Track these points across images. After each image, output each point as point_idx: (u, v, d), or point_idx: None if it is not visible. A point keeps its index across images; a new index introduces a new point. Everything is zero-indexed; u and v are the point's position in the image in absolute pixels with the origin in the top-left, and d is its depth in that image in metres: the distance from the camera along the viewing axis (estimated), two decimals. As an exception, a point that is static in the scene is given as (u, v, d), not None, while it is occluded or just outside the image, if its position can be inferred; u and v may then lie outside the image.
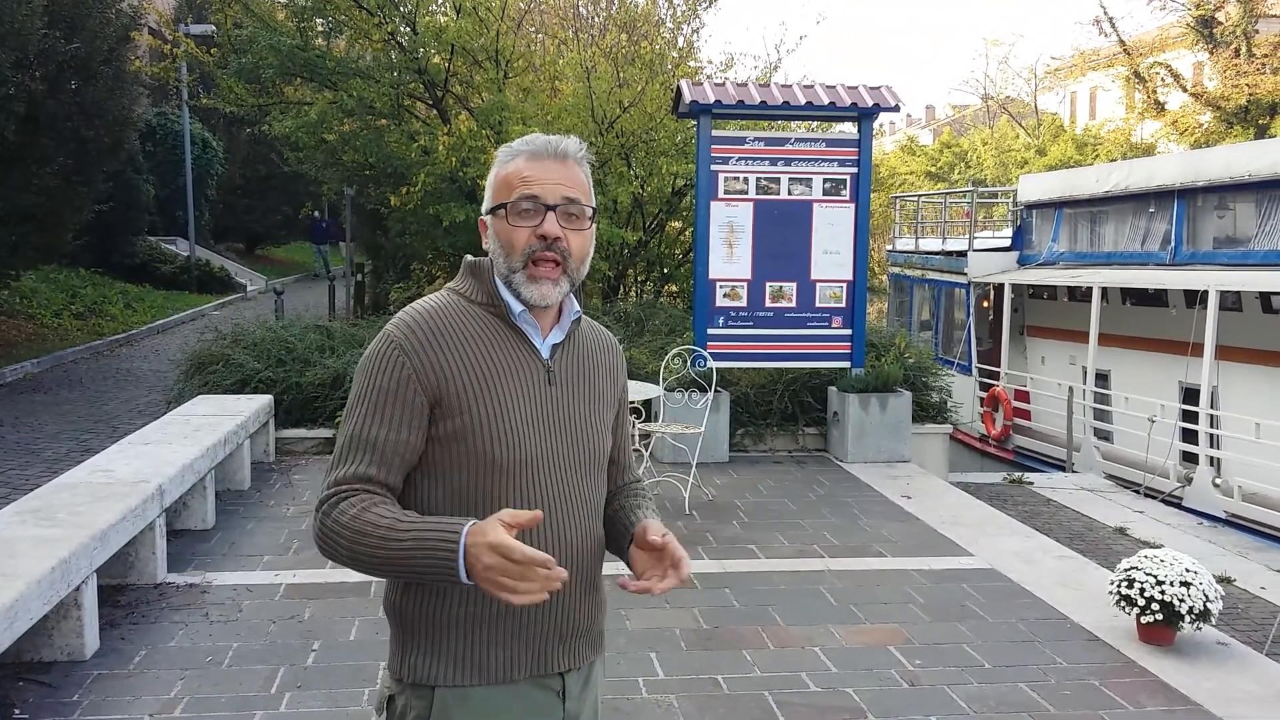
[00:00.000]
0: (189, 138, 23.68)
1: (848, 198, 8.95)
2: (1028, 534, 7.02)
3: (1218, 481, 10.72)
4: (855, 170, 8.94)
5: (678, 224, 15.02)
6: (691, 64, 15.29)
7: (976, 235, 18.26)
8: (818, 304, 9.02)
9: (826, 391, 9.32)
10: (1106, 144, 34.81)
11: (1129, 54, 31.44)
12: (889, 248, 22.72)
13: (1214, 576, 4.95)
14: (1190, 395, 11.77)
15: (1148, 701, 4.33)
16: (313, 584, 5.59)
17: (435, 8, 13.73)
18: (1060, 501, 9.92)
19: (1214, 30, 29.19)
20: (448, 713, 1.84)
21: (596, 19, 17.73)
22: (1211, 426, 11.00)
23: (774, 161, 8.87)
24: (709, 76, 14.62)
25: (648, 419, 8.50)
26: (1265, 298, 11.65)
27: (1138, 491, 10.81)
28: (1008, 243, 17.29)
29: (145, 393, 12.85)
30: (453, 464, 1.82)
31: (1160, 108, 31.18)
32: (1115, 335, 13.79)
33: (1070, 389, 13.02)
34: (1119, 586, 4.92)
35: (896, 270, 20.76)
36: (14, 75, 12.66)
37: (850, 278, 9.04)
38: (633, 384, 7.44)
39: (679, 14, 15.62)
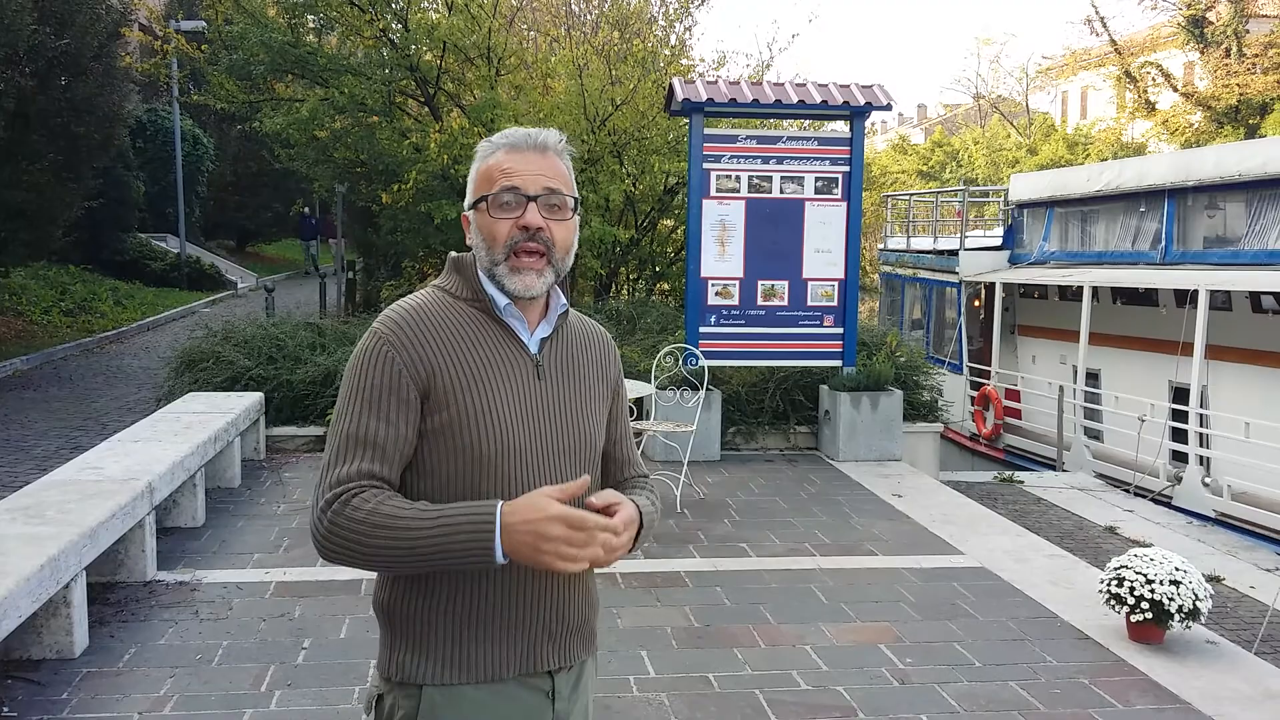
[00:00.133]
0: (179, 134, 23.62)
1: (839, 196, 8.96)
2: (1018, 533, 7.04)
3: (1207, 481, 10.76)
4: (847, 169, 8.95)
5: (670, 222, 15.02)
6: (684, 62, 15.28)
7: (968, 234, 18.31)
8: (809, 302, 9.03)
9: (818, 390, 9.33)
10: (1097, 143, 34.91)
11: (1120, 53, 31.55)
12: (880, 246, 22.74)
13: (1203, 575, 4.96)
14: (1180, 394, 11.81)
15: (1137, 700, 4.35)
16: (303, 582, 5.58)
17: (427, 4, 13.71)
18: (1050, 500, 9.96)
19: (1205, 30, 29.29)
20: (434, 712, 1.83)
21: (589, 16, 17.72)
22: (1201, 426, 11.03)
23: (766, 160, 8.87)
24: (701, 75, 14.62)
25: (639, 417, 8.50)
26: (1255, 297, 11.69)
27: (1128, 491, 10.85)
28: (999, 242, 17.33)
29: (135, 390, 12.81)
30: (440, 458, 1.81)
31: (1151, 107, 31.29)
32: (1106, 334, 13.83)
33: (1061, 388, 13.06)
34: (1109, 585, 4.93)
35: (888, 269, 20.78)
36: (4, 71, 12.62)
37: (842, 276, 9.05)
38: (625, 382, 7.42)
39: (671, 12, 15.63)
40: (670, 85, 9.17)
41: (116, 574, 5.47)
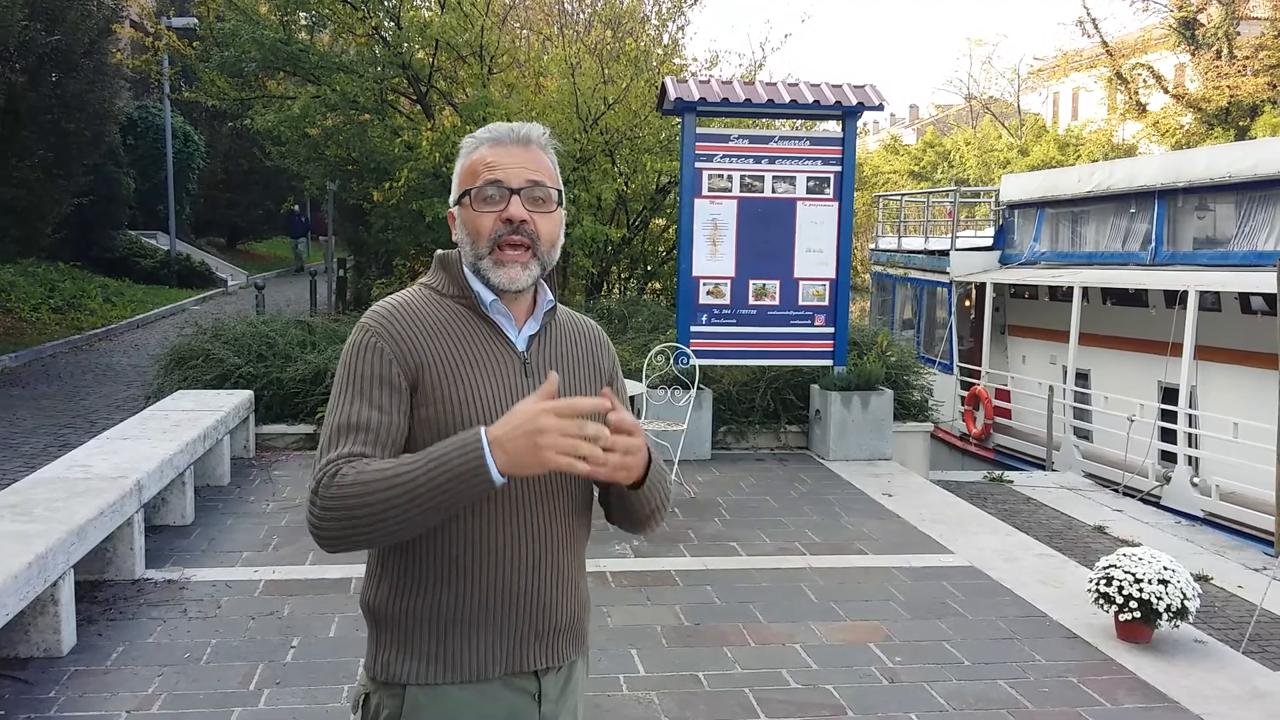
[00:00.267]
0: (170, 131, 23.52)
1: (831, 196, 8.97)
2: (1008, 532, 7.05)
3: (1196, 481, 10.80)
4: (839, 169, 8.95)
5: (662, 221, 15.01)
6: (676, 61, 15.27)
7: (959, 235, 18.33)
8: (801, 302, 9.04)
9: (809, 389, 9.34)
10: (1088, 144, 35.00)
11: (1111, 55, 31.63)
12: (872, 246, 22.78)
13: (1191, 575, 4.98)
14: (1169, 395, 11.84)
15: (1125, 698, 4.36)
16: (292, 580, 5.57)
17: (419, 2, 13.70)
18: (1040, 500, 9.98)
19: (1196, 32, 29.38)
20: (418, 712, 1.82)
21: (581, 15, 17.70)
22: (1190, 426, 11.07)
23: (758, 159, 8.87)
24: (694, 74, 14.62)
25: (630, 405, 8.50)
26: (1244, 298, 11.73)
27: (1117, 490, 10.88)
28: (990, 242, 17.37)
29: (124, 388, 12.77)
30: None
31: (1142, 109, 31.38)
32: (1095, 335, 13.86)
33: (1050, 388, 13.09)
34: (1097, 584, 4.95)
35: (879, 269, 20.82)
36: (-7, 67, 12.57)
37: (833, 276, 9.06)
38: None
39: (664, 11, 15.62)
40: (663, 84, 9.17)
41: (105, 572, 5.46)
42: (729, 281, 8.95)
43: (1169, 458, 11.29)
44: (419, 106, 13.78)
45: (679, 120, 9.27)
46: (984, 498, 9.70)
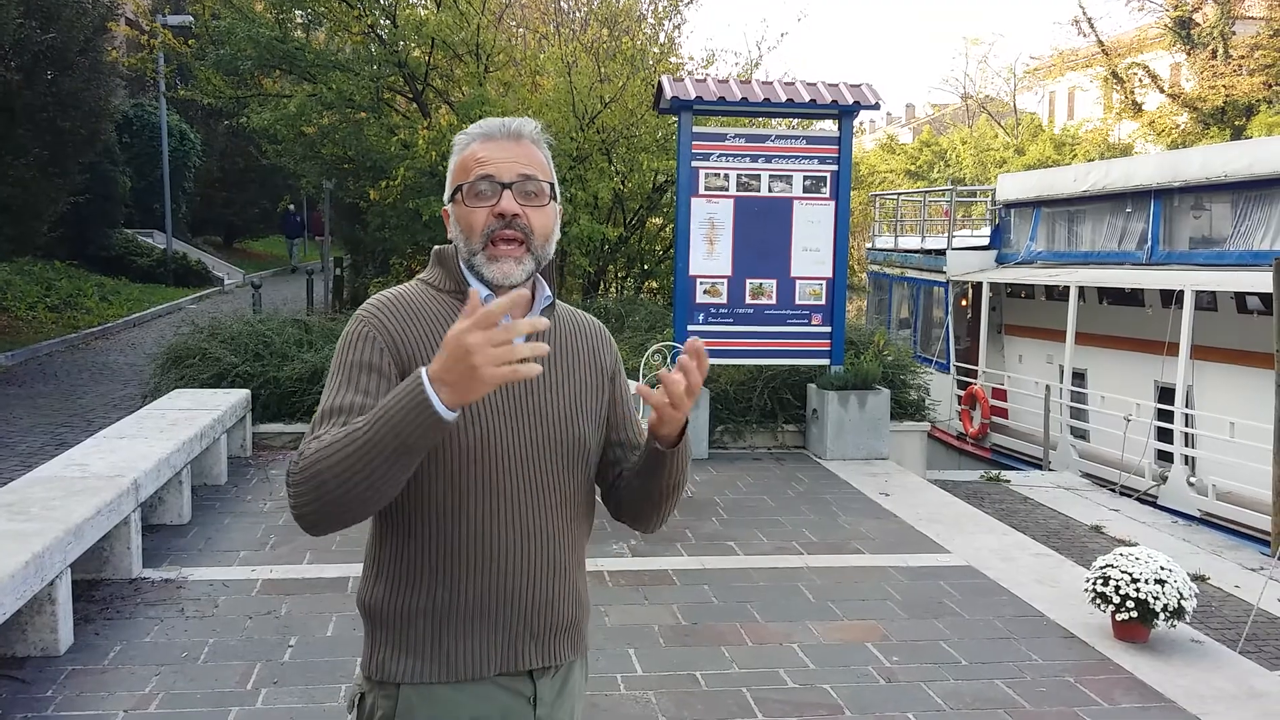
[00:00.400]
0: (166, 129, 23.49)
1: (828, 195, 8.97)
2: (1004, 531, 7.06)
3: (1192, 480, 10.81)
4: (835, 168, 8.96)
5: (658, 220, 15.02)
6: (673, 60, 15.28)
7: (955, 234, 18.35)
8: (797, 301, 9.04)
9: (806, 389, 9.34)
10: (1084, 144, 35.04)
11: (1107, 54, 31.66)
12: (868, 246, 22.80)
13: (1188, 574, 4.99)
14: (1166, 394, 11.86)
15: (1122, 698, 4.36)
16: (289, 579, 5.56)
17: (416, 1, 13.68)
18: (1037, 499, 9.99)
19: (1191, 31, 29.42)
20: (411, 712, 1.81)
21: (578, 14, 17.69)
22: (1186, 425, 11.08)
23: (755, 158, 8.88)
24: (690, 73, 14.62)
25: (633, 403, 8.50)
26: (1240, 298, 11.74)
27: (1113, 490, 10.90)
28: (986, 241, 17.38)
29: (121, 386, 12.75)
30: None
31: (1138, 108, 31.41)
32: (1092, 334, 13.88)
33: (1047, 387, 13.10)
34: (1094, 584, 4.95)
35: (876, 268, 20.83)
36: (-11, 65, 12.55)
37: (830, 275, 9.06)
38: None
39: (660, 10, 15.62)
40: (659, 83, 9.16)
41: (102, 571, 5.45)
42: (726, 280, 8.95)
43: (1166, 457, 11.30)
44: (415, 105, 13.78)
45: (675, 119, 9.27)
46: (981, 497, 9.70)
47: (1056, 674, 4.60)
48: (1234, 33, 28.78)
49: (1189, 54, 29.72)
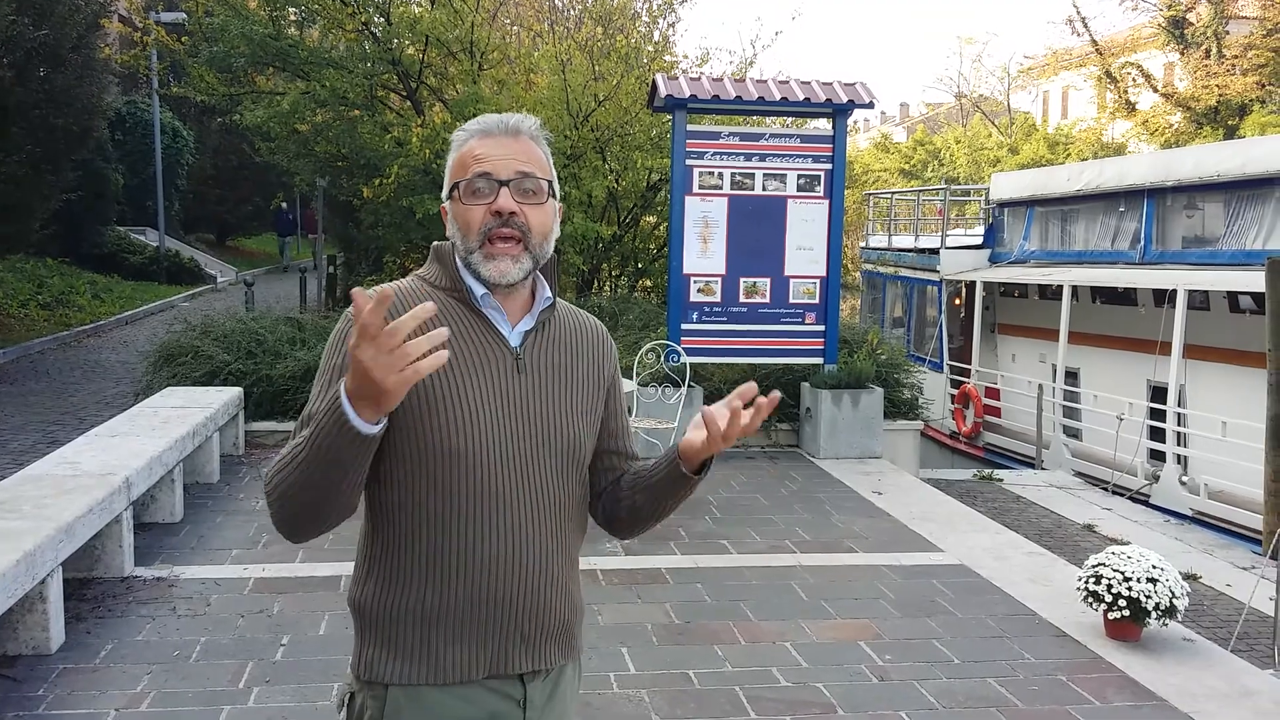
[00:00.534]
0: (159, 127, 23.42)
1: (822, 194, 8.97)
2: (997, 530, 7.07)
3: (1184, 479, 10.83)
4: (829, 166, 8.96)
5: (652, 219, 15.01)
6: (667, 58, 15.27)
7: (949, 233, 18.38)
8: (791, 300, 9.04)
9: (799, 387, 9.34)
10: (1078, 143, 35.11)
11: (1101, 54, 31.72)
12: (862, 245, 22.82)
13: (1180, 573, 5.00)
14: (1158, 393, 11.89)
15: (1114, 696, 4.37)
16: (282, 578, 5.55)
17: (410, -2, 13.66)
18: (1029, 498, 10.01)
19: (1185, 31, 29.48)
20: (399, 713, 1.79)
21: (572, 12, 17.68)
22: (1179, 425, 11.11)
23: (749, 157, 8.87)
24: (685, 71, 14.61)
25: (626, 409, 8.50)
26: (1233, 297, 11.77)
27: (1106, 489, 10.92)
28: (980, 241, 17.41)
29: (113, 384, 12.72)
30: (409, 451, 1.76)
31: (1131, 108, 31.48)
32: (1085, 333, 13.90)
33: (1040, 386, 13.12)
34: (1086, 583, 4.96)
35: (869, 267, 20.85)
36: (-19, 62, 12.50)
37: (824, 274, 9.07)
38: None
39: (655, 8, 15.60)
40: (653, 81, 9.16)
41: (93, 570, 5.43)
42: (720, 279, 8.95)
43: (1158, 456, 11.33)
44: (409, 103, 13.76)
45: (670, 117, 9.27)
46: (974, 496, 9.72)
47: (1049, 672, 4.61)
48: (1227, 32, 28.86)
49: (1182, 53, 29.78)
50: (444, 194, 1.88)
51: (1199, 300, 12.02)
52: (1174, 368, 11.17)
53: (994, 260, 16.37)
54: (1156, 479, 11.05)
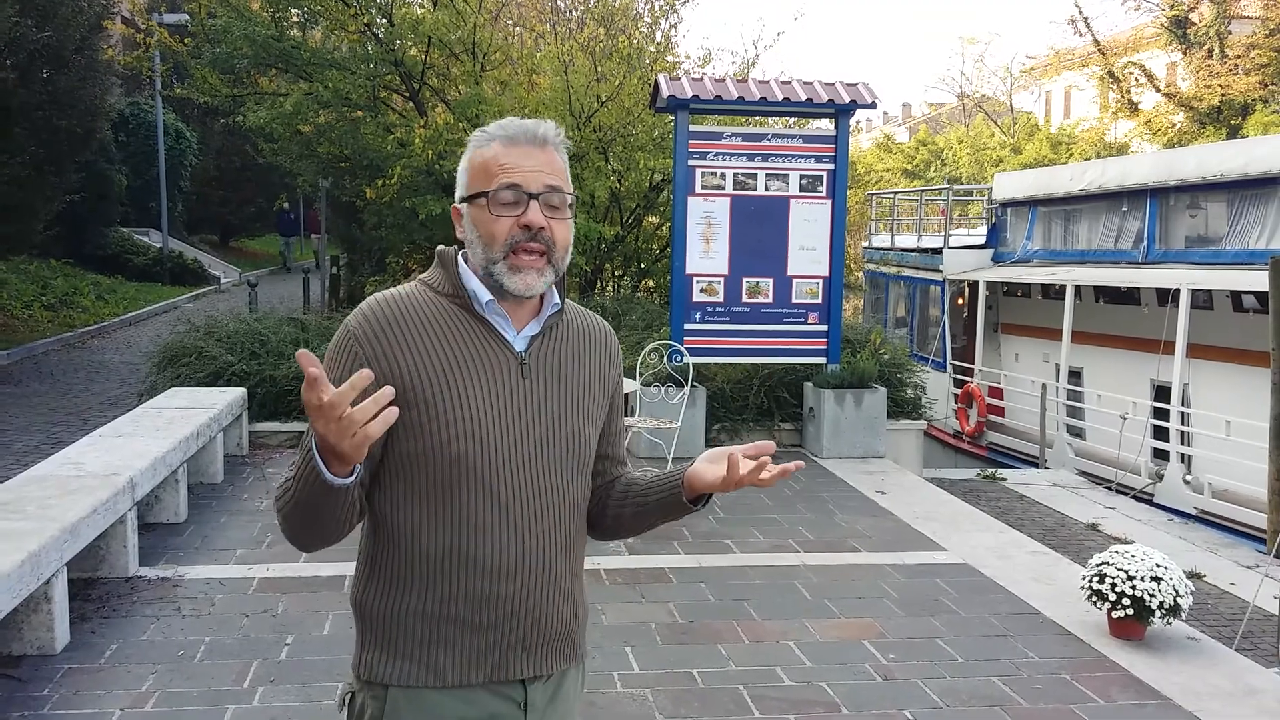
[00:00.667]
0: (162, 128, 23.45)
1: (824, 194, 8.97)
2: (1001, 529, 7.07)
3: (1188, 478, 10.83)
4: (832, 166, 8.96)
5: (655, 219, 15.01)
6: (669, 59, 15.26)
7: (952, 233, 18.37)
8: (794, 300, 9.04)
9: (802, 387, 9.34)
10: (1080, 143, 35.05)
11: (1103, 54, 31.68)
12: (865, 244, 22.80)
13: (1184, 572, 5.00)
14: (1162, 393, 11.87)
15: (1118, 695, 4.37)
16: (286, 578, 5.56)
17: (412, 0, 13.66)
18: (1033, 497, 10.00)
19: (1187, 31, 29.44)
20: (398, 714, 1.78)
21: (574, 12, 17.68)
22: (1182, 424, 11.10)
23: (751, 157, 8.88)
24: (687, 72, 14.61)
25: (624, 414, 8.51)
26: (1236, 296, 11.76)
27: (1109, 488, 10.91)
28: (982, 240, 17.40)
29: (117, 385, 12.74)
30: (414, 459, 1.75)
31: (1134, 107, 31.44)
32: (1088, 333, 13.89)
33: (1043, 386, 13.12)
34: (1090, 582, 4.96)
35: (872, 267, 20.84)
36: (-16, 63, 12.53)
37: (826, 274, 9.07)
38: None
39: (657, 8, 15.60)
40: (656, 82, 9.16)
41: (98, 570, 5.44)
42: (722, 279, 8.95)
43: (1162, 455, 11.32)
44: (412, 104, 13.76)
45: (672, 118, 9.27)
46: (977, 495, 9.71)
47: (1053, 671, 4.61)
48: (1230, 32, 28.82)
49: (1185, 53, 29.75)
50: (459, 196, 1.85)
51: (1202, 300, 12.01)
52: (1177, 367, 11.16)
53: (997, 260, 16.36)
54: (1160, 478, 11.04)
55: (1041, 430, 12.88)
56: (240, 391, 8.41)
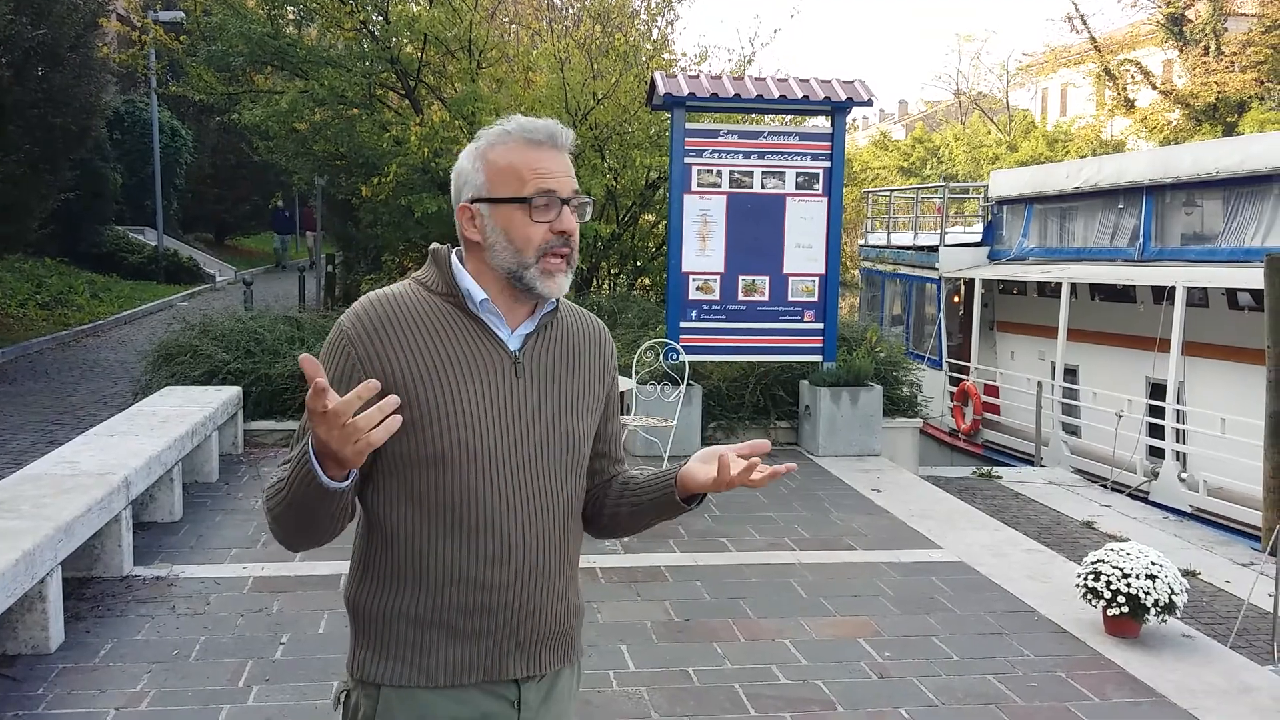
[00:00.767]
0: (157, 126, 23.39)
1: (820, 192, 8.97)
2: (996, 527, 7.07)
3: (1183, 476, 10.84)
4: (828, 164, 8.96)
5: (651, 217, 14.99)
6: (666, 56, 15.26)
7: (948, 230, 18.37)
8: (790, 298, 9.04)
9: (798, 385, 9.34)
10: (1077, 140, 35.08)
11: (1100, 51, 31.70)
12: (861, 242, 22.82)
13: (1179, 570, 5.00)
14: (1157, 390, 11.89)
15: (1113, 693, 4.37)
16: (281, 577, 5.55)
17: (408, -3, 13.65)
18: (1028, 495, 10.01)
19: (1184, 28, 29.47)
20: (391, 713, 1.78)
21: (570, 10, 17.67)
22: (1178, 422, 11.11)
23: (747, 155, 8.87)
24: (683, 69, 14.60)
25: (620, 412, 8.50)
26: (1231, 294, 11.78)
27: (1105, 486, 10.92)
28: (979, 238, 17.41)
29: (112, 384, 12.72)
30: (407, 459, 1.74)
31: (1130, 105, 31.46)
32: (1084, 331, 13.91)
33: (1039, 384, 13.13)
34: (1086, 579, 4.96)
35: (868, 265, 20.85)
36: (-21, 61, 12.50)
37: (823, 272, 9.07)
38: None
39: (653, 6, 15.58)
40: (652, 79, 9.15)
41: (93, 569, 5.43)
42: (718, 277, 8.95)
43: (1157, 453, 11.33)
44: (407, 101, 13.75)
45: (668, 115, 9.26)
46: (973, 493, 9.72)
47: (1048, 669, 4.61)
48: (1226, 29, 28.84)
49: (1181, 51, 29.77)
50: (474, 195, 1.81)
51: (1198, 297, 12.02)
52: (1173, 364, 11.17)
53: (993, 258, 16.37)
54: (1155, 476, 11.05)
55: (1037, 428, 12.89)
56: (235, 390, 8.40)
